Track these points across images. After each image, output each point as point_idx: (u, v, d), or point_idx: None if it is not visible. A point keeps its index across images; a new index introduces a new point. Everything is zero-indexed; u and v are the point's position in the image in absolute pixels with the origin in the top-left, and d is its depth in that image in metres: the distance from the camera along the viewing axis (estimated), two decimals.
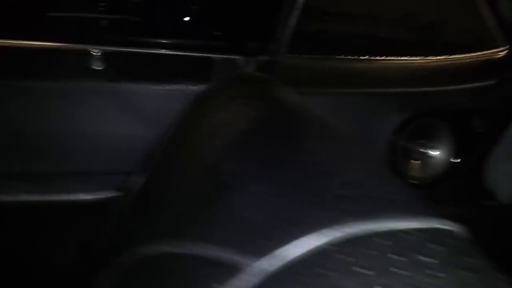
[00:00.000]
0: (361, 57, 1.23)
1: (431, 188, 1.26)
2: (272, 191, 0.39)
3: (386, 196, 0.37)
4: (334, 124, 0.71)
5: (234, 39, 1.18)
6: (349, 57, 1.22)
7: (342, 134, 0.57)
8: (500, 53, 1.27)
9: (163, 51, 1.12)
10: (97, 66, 1.02)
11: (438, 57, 1.25)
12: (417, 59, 1.25)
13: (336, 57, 1.22)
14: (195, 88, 1.01)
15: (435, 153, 1.25)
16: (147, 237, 0.48)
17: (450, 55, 1.26)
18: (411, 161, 1.24)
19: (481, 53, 1.28)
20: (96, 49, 1.01)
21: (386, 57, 1.24)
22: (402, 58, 1.24)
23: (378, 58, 1.23)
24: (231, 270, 0.32)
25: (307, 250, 0.31)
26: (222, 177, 0.45)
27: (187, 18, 1.36)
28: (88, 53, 1.00)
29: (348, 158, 0.44)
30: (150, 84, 1.05)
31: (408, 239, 0.31)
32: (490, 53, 1.28)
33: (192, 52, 1.13)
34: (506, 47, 1.26)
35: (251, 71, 1.05)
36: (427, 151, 1.24)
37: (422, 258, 0.29)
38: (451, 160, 1.25)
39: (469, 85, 1.21)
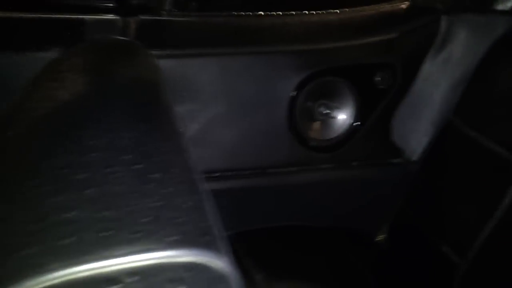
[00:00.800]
0: (256, 13, 1.12)
1: (335, 149, 1.21)
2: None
3: (137, 217, 0.29)
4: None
5: None
6: (243, 13, 1.12)
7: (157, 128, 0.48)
8: (402, 5, 1.20)
9: (24, 15, 0.97)
10: None
11: (337, 10, 1.17)
12: (315, 13, 1.16)
13: (229, 13, 1.11)
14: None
15: (337, 112, 1.18)
16: None
17: (350, 7, 1.18)
18: (312, 122, 1.18)
19: (382, 5, 1.20)
20: None
21: (283, 12, 1.14)
22: (299, 12, 1.14)
23: (273, 13, 1.13)
24: None
25: None
26: None
27: None
28: None
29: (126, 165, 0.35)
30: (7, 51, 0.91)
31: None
32: (392, 5, 1.20)
33: (58, 14, 0.99)
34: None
35: (107, 35, 0.92)
36: (328, 111, 1.17)
37: None
38: (354, 119, 1.19)
39: (370, 39, 1.14)
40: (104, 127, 0.39)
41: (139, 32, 1.02)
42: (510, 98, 1.09)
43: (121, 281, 0.23)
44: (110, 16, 1.02)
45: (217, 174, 1.14)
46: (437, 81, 1.21)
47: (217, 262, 0.27)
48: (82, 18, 1.00)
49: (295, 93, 1.11)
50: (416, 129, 1.26)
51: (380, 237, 1.43)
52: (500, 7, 1.17)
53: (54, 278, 0.23)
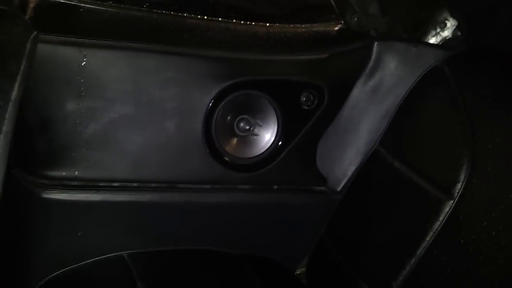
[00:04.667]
0: (179, 13, 0.98)
1: (254, 170, 1.05)
2: None
3: None
4: None
5: None
6: (164, 11, 0.97)
7: None
8: (335, 27, 1.09)
9: None
10: None
11: (266, 23, 1.04)
12: (242, 23, 1.02)
13: (148, 8, 0.95)
14: None
15: (259, 130, 1.03)
16: None
17: (281, 22, 1.05)
18: (231, 138, 1.02)
19: (314, 25, 1.08)
20: None
21: (211, 17, 1.00)
22: (226, 20, 1.01)
23: (198, 16, 0.99)
24: None
25: None
26: None
27: None
28: None
29: None
30: None
31: None
32: (324, 26, 1.09)
33: None
34: (340, 22, 1.08)
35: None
36: (249, 127, 1.02)
37: None
38: (277, 139, 1.04)
39: (298, 57, 1.01)
40: None
41: (37, 12, 0.85)
42: (436, 131, 0.97)
43: None
44: None
45: (116, 184, 0.95)
46: (366, 109, 1.09)
47: None
48: None
49: (212, 103, 0.96)
50: (341, 158, 1.12)
51: (300, 271, 1.25)
52: (432, 40, 1.08)
53: None
